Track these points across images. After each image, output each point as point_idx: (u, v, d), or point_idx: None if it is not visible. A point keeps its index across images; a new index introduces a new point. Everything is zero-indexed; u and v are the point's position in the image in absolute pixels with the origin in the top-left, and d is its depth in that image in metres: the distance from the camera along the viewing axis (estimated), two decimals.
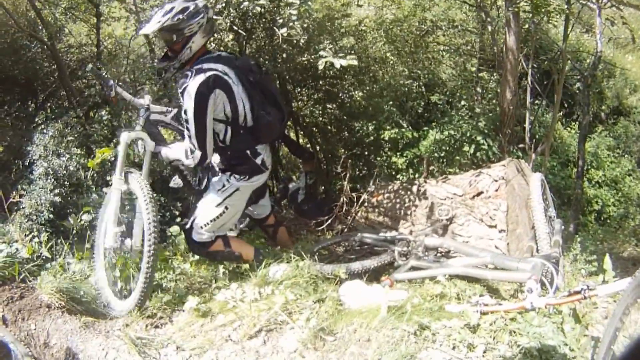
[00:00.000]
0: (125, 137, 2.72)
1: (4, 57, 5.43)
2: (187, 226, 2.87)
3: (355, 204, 3.57)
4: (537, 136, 5.71)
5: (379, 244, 3.27)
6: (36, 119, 5.79)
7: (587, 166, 7.78)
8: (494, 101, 4.91)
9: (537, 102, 6.24)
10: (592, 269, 4.12)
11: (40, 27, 5.59)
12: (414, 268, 2.99)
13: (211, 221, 2.79)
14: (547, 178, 6.05)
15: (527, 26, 4.85)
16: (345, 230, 3.66)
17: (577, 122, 7.65)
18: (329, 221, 3.53)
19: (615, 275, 3.30)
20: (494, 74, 5.15)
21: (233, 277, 2.87)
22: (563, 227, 4.03)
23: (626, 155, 9.25)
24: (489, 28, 4.86)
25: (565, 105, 7.84)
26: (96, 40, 6.14)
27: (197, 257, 3.05)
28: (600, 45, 6.25)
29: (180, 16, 2.51)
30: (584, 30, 8.94)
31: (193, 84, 2.48)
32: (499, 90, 4.59)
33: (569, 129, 8.18)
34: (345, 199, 3.59)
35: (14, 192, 4.00)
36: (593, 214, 7.89)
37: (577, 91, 7.79)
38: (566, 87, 6.91)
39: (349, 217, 3.64)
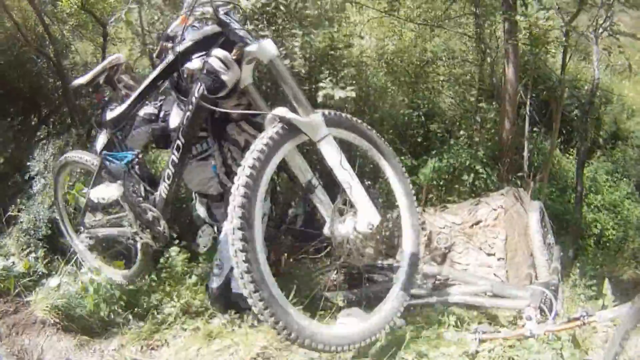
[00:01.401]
0: None
1: (10, 70, 5.52)
2: (220, 280, 2.51)
3: None
4: (535, 164, 5.80)
5: (376, 271, 3.31)
6: (38, 133, 5.89)
7: (585, 191, 7.84)
8: (493, 131, 5.02)
9: (535, 129, 6.35)
10: (592, 294, 4.15)
11: (47, 43, 5.70)
12: (412, 296, 3.02)
13: None
14: (546, 204, 6.11)
15: (526, 58, 4.99)
16: (344, 257, 3.68)
17: (576, 149, 7.75)
18: (328, 248, 3.56)
19: (615, 299, 3.33)
20: (493, 104, 5.27)
21: None
22: (562, 253, 4.08)
23: (625, 179, 9.33)
24: (488, 59, 5.00)
25: (564, 132, 7.95)
26: (101, 60, 6.28)
27: (193, 279, 2.88)
28: (597, 73, 6.39)
29: None
30: (582, 58, 9.12)
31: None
32: (498, 120, 4.70)
33: (567, 155, 8.28)
34: None
35: (13, 206, 4.06)
36: (592, 238, 7.91)
37: (575, 118, 7.92)
38: (564, 115, 7.04)
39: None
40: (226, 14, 2.04)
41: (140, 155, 2.49)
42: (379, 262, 3.38)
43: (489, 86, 5.58)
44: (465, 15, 5.72)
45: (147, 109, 2.59)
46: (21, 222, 3.82)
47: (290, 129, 1.87)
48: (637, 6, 6.97)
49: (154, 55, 2.44)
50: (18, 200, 4.25)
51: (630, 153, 10.11)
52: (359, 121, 2.22)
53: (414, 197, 2.43)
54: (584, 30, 5.66)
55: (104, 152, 2.58)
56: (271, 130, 1.85)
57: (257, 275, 1.65)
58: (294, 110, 1.92)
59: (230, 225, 1.65)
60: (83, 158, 2.84)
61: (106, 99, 2.61)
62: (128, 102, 2.42)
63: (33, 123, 6.09)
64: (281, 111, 1.88)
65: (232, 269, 2.39)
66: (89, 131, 5.49)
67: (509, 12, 4.49)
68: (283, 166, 2.06)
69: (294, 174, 2.14)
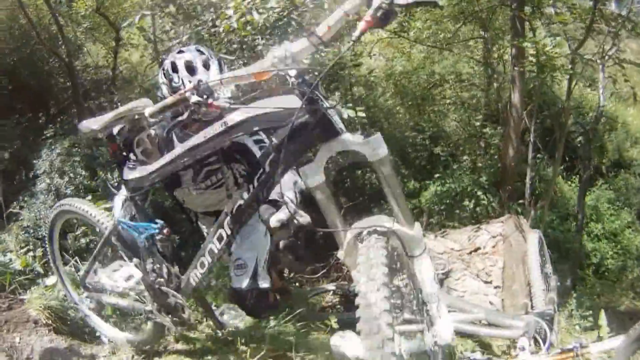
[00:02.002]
0: None
1: (21, 67, 5.60)
2: (247, 278, 2.25)
3: None
4: (537, 192, 5.80)
5: None
6: (45, 132, 5.94)
7: (586, 219, 7.83)
8: (496, 157, 5.03)
9: (539, 156, 6.36)
10: (588, 325, 4.12)
11: (60, 43, 5.76)
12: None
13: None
14: (547, 232, 6.10)
15: (532, 85, 5.02)
16: (341, 279, 3.69)
17: (578, 176, 7.75)
18: (325, 269, 3.56)
19: (611, 330, 3.31)
20: (498, 128, 5.29)
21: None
22: (559, 283, 4.06)
23: (626, 208, 9.31)
24: (495, 85, 5.03)
25: (567, 158, 7.96)
26: (113, 63, 6.34)
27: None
28: (602, 100, 6.42)
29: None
30: (587, 85, 9.16)
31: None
32: (501, 146, 4.71)
33: (569, 182, 8.28)
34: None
35: (15, 203, 4.07)
36: (591, 268, 7.89)
37: (579, 145, 7.93)
38: (568, 141, 7.06)
39: (344, 268, 3.68)
40: (311, 85, 1.42)
41: (165, 230, 1.99)
42: None
43: (494, 111, 5.60)
44: (474, 39, 5.77)
45: None
46: (22, 219, 3.83)
47: (390, 239, 1.49)
48: None
49: (169, 92, 2.04)
50: (20, 197, 4.28)
51: (633, 181, 10.08)
52: None
53: None
54: (590, 56, 5.71)
55: (120, 220, 2.11)
56: (376, 244, 1.40)
57: None
58: (396, 217, 1.54)
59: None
60: (82, 209, 2.32)
61: (124, 153, 2.05)
62: (156, 165, 1.90)
63: (41, 121, 6.13)
64: (384, 220, 1.51)
65: (257, 266, 2.26)
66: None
67: (517, 39, 4.53)
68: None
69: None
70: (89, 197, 3.80)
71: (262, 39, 3.68)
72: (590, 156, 6.81)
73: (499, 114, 5.30)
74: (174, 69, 2.04)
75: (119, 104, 6.07)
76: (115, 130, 1.98)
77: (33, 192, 4.33)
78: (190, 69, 2.01)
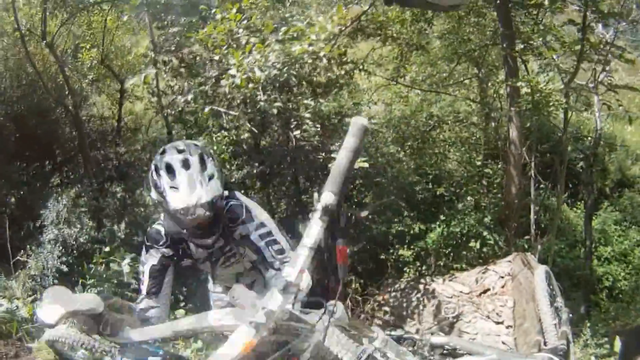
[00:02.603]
0: None
1: (29, 115, 5.74)
2: None
3: (362, 304, 3.64)
4: (543, 224, 5.81)
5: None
6: (51, 180, 6.04)
7: (595, 244, 7.80)
8: (499, 194, 5.09)
9: (542, 187, 6.41)
10: (604, 352, 4.06)
11: (66, 93, 5.93)
12: None
13: None
14: (555, 262, 6.08)
15: (528, 124, 5.12)
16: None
17: (583, 201, 7.76)
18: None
19: (629, 354, 3.28)
20: (499, 164, 5.36)
21: None
22: (571, 315, 4.03)
23: (633, 227, 9.25)
24: (492, 124, 5.13)
25: (570, 185, 7.99)
26: (117, 114, 6.52)
27: (199, 344, 2.86)
28: (599, 125, 6.50)
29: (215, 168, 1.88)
30: (583, 109, 9.29)
31: (248, 203, 2.07)
32: (503, 184, 4.76)
33: (575, 209, 8.29)
34: (352, 300, 3.66)
35: (22, 251, 4.12)
36: (604, 292, 7.80)
37: (581, 170, 7.97)
38: (570, 168, 7.12)
39: (354, 315, 3.70)
40: None
41: None
42: (387, 332, 3.39)
43: (493, 148, 5.68)
44: (469, 78, 5.91)
45: None
46: (29, 267, 3.88)
47: None
48: (630, 61, 7.22)
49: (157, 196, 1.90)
50: (27, 246, 4.34)
51: (638, 199, 10.05)
52: None
53: None
54: (583, 84, 5.83)
55: None
56: None
57: None
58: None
59: None
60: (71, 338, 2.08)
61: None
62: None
63: (47, 169, 6.25)
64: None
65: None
66: (102, 185, 5.65)
67: (511, 78, 4.67)
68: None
69: None
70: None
71: (264, 94, 3.82)
72: (592, 180, 6.85)
73: (499, 150, 5.38)
74: (157, 171, 1.91)
75: (124, 155, 6.22)
76: None
77: (40, 241, 4.39)
78: (171, 171, 1.86)
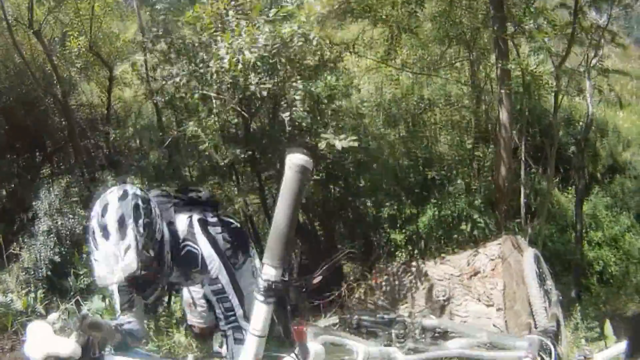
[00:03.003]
0: None
1: (17, 106, 5.66)
2: None
3: (355, 288, 3.64)
4: (533, 208, 5.84)
5: (376, 326, 3.31)
6: (42, 171, 5.98)
7: (585, 228, 7.87)
8: (490, 177, 5.10)
9: (533, 170, 6.43)
10: (594, 335, 4.11)
11: (55, 82, 5.84)
12: (410, 350, 3.01)
13: None
14: (546, 245, 6.12)
15: (519, 106, 5.11)
16: (343, 311, 3.70)
17: (574, 186, 7.81)
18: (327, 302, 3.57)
19: (619, 338, 3.32)
20: (490, 147, 5.37)
21: None
22: (561, 298, 4.07)
23: (624, 212, 9.33)
24: (483, 106, 5.12)
25: (561, 170, 8.03)
26: (107, 102, 6.44)
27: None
28: (591, 109, 6.52)
29: (143, 228, 1.70)
30: (575, 94, 9.31)
31: (205, 248, 1.98)
32: (494, 166, 4.76)
33: (566, 193, 8.34)
34: (345, 284, 3.66)
35: (15, 244, 4.08)
36: (595, 276, 7.88)
37: (572, 155, 8.01)
38: (561, 153, 7.15)
39: (347, 299, 3.70)
40: None
41: None
42: (379, 315, 3.39)
43: (484, 131, 5.69)
44: (460, 60, 5.89)
45: None
46: (22, 260, 3.85)
47: None
48: (622, 45, 7.22)
49: None
50: (20, 238, 4.30)
51: (629, 184, 10.13)
52: None
53: None
54: (574, 69, 5.83)
55: None
56: None
57: None
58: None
59: None
60: None
61: None
62: None
63: (37, 160, 6.18)
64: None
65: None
66: (93, 173, 5.60)
67: (502, 60, 4.64)
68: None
69: None
70: None
71: (254, 76, 3.77)
72: (583, 165, 6.88)
73: (490, 133, 5.38)
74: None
75: (115, 143, 6.16)
76: None
77: (33, 233, 4.35)
78: (94, 240, 1.70)
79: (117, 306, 2.01)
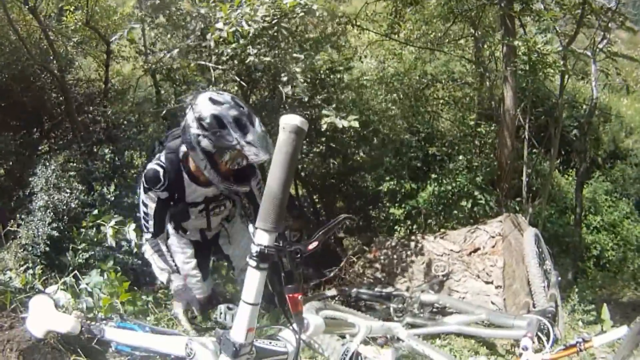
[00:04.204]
0: None
1: (13, 83, 5.54)
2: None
3: (354, 262, 3.62)
4: (534, 188, 5.80)
5: (374, 300, 3.29)
6: (40, 148, 5.90)
7: (585, 212, 7.86)
8: (492, 155, 5.04)
9: (535, 151, 6.39)
10: (591, 319, 4.12)
11: (51, 58, 5.72)
12: (409, 325, 3.00)
13: None
14: (545, 227, 6.11)
15: (524, 84, 5.02)
16: (342, 284, 3.69)
17: (575, 169, 7.78)
18: (326, 277, 3.56)
19: (614, 323, 3.31)
20: (492, 126, 5.30)
21: None
22: (559, 279, 4.07)
23: (624, 199, 9.33)
24: (487, 83, 5.03)
25: (563, 152, 7.98)
26: (104, 76, 6.33)
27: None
28: (595, 93, 6.43)
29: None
30: (580, 78, 9.19)
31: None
32: (496, 144, 4.70)
33: (566, 176, 8.30)
34: (345, 258, 3.63)
35: (12, 221, 4.04)
36: (592, 260, 7.91)
37: (574, 138, 7.95)
38: (563, 135, 7.09)
39: (346, 273, 3.68)
40: None
41: None
42: (377, 289, 3.37)
43: (487, 109, 5.61)
44: (464, 37, 5.78)
45: None
46: (20, 237, 3.81)
47: None
48: (632, 30, 7.08)
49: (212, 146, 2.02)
50: (17, 215, 4.26)
51: (629, 172, 10.12)
52: None
53: None
54: (581, 51, 5.72)
55: None
56: None
57: None
58: None
59: None
60: None
61: None
62: None
63: (35, 137, 6.10)
64: None
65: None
66: (90, 148, 5.53)
67: (508, 37, 4.54)
68: None
69: None
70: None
71: (253, 48, 3.67)
72: (585, 149, 6.83)
73: (493, 111, 5.30)
74: (220, 124, 1.93)
75: (113, 117, 6.07)
76: None
77: (30, 209, 4.30)
78: (241, 126, 1.94)
79: (150, 229, 2.25)
